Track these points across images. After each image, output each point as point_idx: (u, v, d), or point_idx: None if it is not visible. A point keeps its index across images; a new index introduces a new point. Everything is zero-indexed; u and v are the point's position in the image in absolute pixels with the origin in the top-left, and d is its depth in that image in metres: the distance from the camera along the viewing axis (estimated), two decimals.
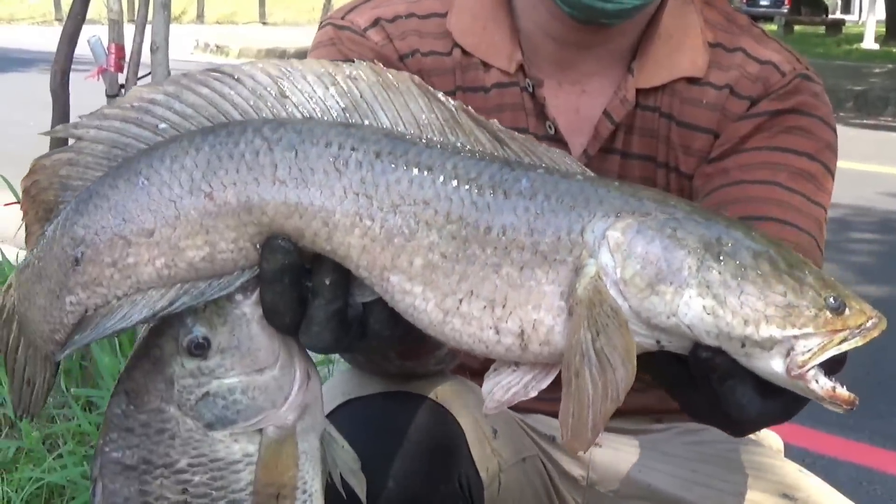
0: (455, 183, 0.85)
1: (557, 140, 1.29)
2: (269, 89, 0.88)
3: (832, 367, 0.86)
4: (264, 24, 24.46)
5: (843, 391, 0.84)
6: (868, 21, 21.48)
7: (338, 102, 0.87)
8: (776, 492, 1.28)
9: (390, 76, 0.87)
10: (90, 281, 0.90)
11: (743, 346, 0.84)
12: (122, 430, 0.97)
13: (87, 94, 2.85)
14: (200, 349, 0.92)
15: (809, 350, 0.83)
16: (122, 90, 2.58)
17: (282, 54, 15.91)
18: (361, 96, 0.87)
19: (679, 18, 1.30)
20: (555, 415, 1.38)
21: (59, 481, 2.29)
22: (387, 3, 1.30)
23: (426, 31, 1.29)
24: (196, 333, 0.92)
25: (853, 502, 1.27)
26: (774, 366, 0.84)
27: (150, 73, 2.54)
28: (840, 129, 1.31)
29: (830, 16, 29.56)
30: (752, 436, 1.40)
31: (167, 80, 0.91)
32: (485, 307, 0.86)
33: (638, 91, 1.28)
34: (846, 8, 34.90)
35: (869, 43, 20.15)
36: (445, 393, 1.25)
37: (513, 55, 1.29)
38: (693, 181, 1.28)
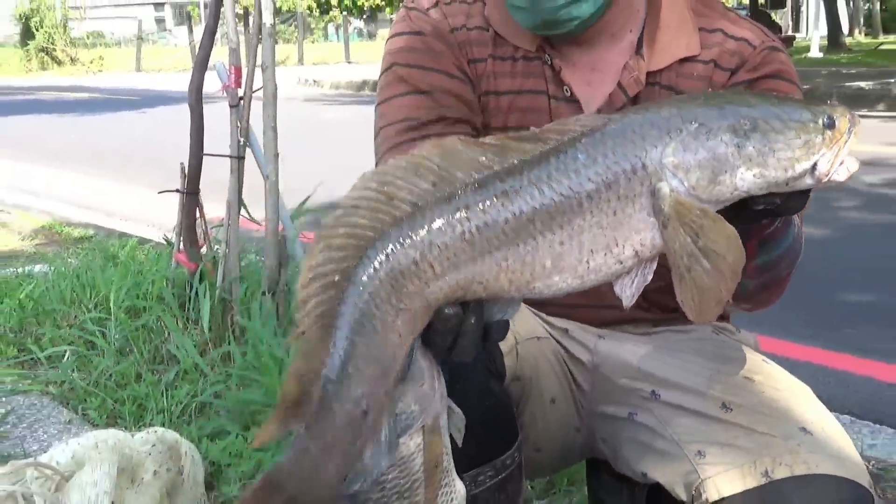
0: (537, 191, 0.81)
1: (574, 101, 1.29)
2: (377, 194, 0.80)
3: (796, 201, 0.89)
4: (349, 63, 24.51)
5: (848, 162, 0.86)
6: (813, 36, 21.41)
7: (430, 180, 0.81)
8: (743, 371, 1.26)
9: (447, 143, 0.83)
10: (375, 425, 0.85)
11: (787, 184, 0.86)
12: None
13: (214, 106, 2.88)
14: None
15: (829, 161, 0.85)
16: (241, 101, 2.59)
17: (361, 85, 15.94)
18: (438, 168, 0.81)
19: (674, 12, 1.28)
20: (564, 315, 1.39)
21: (208, 399, 2.32)
22: None
23: (472, 13, 1.31)
24: None
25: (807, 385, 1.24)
26: (808, 182, 0.86)
27: (262, 88, 2.55)
28: None
29: (785, 33, 29.04)
30: (734, 335, 1.40)
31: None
32: (605, 255, 0.84)
33: (648, 73, 1.26)
34: (796, 27, 34.21)
35: (814, 52, 20.06)
36: None
37: (534, 39, 1.28)
38: None
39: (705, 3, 1.30)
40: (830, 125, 0.86)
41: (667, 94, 1.27)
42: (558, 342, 1.38)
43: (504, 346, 1.23)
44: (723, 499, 1.11)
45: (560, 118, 1.30)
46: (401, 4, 1.38)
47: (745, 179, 0.84)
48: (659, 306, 1.39)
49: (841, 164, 0.87)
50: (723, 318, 1.46)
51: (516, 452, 1.16)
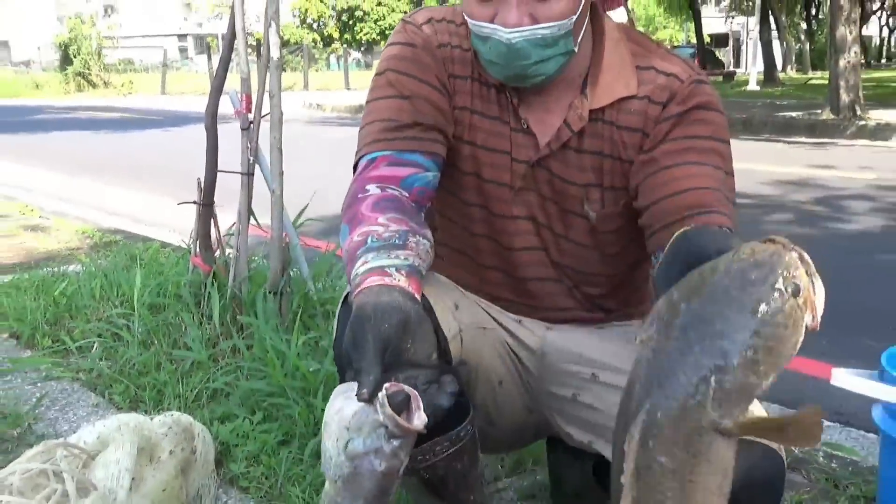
0: (640, 464, 0.79)
1: (529, 133, 1.28)
2: None
3: None
4: (348, 89, 24.46)
5: (820, 297, 0.81)
6: (751, 72, 21.58)
7: None
8: None
9: None
10: None
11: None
12: None
13: (228, 127, 2.86)
14: None
15: (813, 318, 0.80)
16: (251, 124, 2.57)
17: (359, 109, 15.93)
18: None
19: (616, 54, 1.26)
20: (518, 312, 1.39)
21: (219, 386, 2.30)
22: (437, 10, 1.33)
23: (458, 34, 1.30)
24: None
25: None
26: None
27: (269, 113, 2.54)
28: (732, 142, 1.23)
29: (727, 69, 29.32)
30: None
31: None
32: (725, 479, 0.81)
33: (590, 110, 1.25)
34: (737, 63, 34.48)
35: (752, 86, 20.23)
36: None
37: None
38: (633, 165, 1.25)
39: (641, 44, 1.29)
40: (797, 291, 0.78)
41: (608, 128, 1.26)
42: (508, 330, 1.38)
43: (448, 332, 1.23)
44: None
45: (517, 144, 1.31)
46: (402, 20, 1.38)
47: (766, 384, 0.79)
48: (602, 309, 1.41)
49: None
50: None
51: (469, 425, 1.16)
